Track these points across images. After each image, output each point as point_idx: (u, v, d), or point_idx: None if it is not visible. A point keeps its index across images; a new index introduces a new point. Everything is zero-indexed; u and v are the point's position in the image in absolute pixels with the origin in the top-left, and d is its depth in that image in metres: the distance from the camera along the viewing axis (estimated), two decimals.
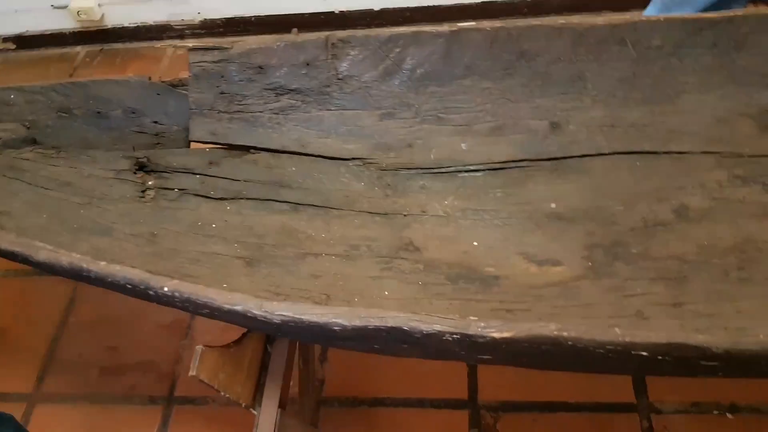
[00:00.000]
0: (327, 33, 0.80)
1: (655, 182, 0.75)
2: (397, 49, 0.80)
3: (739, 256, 0.68)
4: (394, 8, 1.40)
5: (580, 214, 0.75)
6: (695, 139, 0.76)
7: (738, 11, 0.72)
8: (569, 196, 0.76)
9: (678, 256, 0.69)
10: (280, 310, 0.50)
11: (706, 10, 0.92)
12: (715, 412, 0.85)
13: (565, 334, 0.46)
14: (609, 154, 0.77)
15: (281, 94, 0.82)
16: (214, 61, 0.82)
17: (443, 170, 0.81)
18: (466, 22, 1.33)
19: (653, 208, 0.73)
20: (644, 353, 0.47)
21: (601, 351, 0.47)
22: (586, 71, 0.77)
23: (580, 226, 0.74)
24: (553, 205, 0.76)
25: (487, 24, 0.77)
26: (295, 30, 0.83)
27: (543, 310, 0.66)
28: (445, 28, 0.77)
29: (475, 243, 0.75)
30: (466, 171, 0.81)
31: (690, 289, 0.66)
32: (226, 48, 0.81)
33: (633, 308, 0.65)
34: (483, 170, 0.80)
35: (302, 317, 0.50)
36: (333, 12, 1.45)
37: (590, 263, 0.71)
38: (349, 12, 1.44)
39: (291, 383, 0.78)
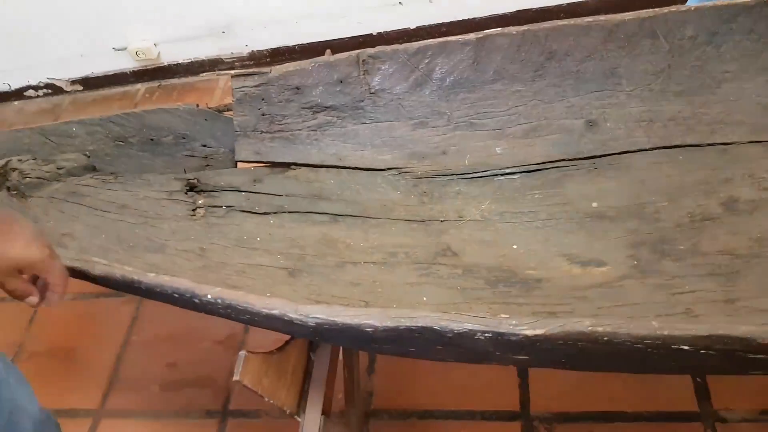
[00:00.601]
0: (358, 51, 0.83)
1: (700, 176, 0.72)
2: (426, 60, 0.81)
3: None
4: (430, 25, 1.43)
5: (623, 212, 0.73)
6: (741, 129, 0.73)
7: None
8: (610, 195, 0.74)
9: (729, 250, 0.66)
10: (314, 312, 0.52)
11: None
12: None
13: (600, 329, 0.45)
14: (649, 149, 0.75)
15: (318, 112, 0.86)
16: (255, 86, 0.86)
17: (479, 175, 0.82)
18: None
19: (700, 202, 0.71)
20: (686, 347, 0.45)
21: (640, 346, 0.45)
22: (619, 67, 0.76)
23: (624, 225, 0.72)
24: (594, 204, 0.75)
25: (513, 28, 0.77)
26: (328, 51, 0.87)
27: (587, 311, 0.64)
28: (471, 36, 0.78)
29: (515, 246, 0.74)
30: (502, 174, 0.80)
31: (743, 284, 0.63)
32: (266, 72, 0.86)
33: (682, 306, 0.62)
34: (519, 173, 0.80)
35: (335, 319, 0.51)
36: (371, 34, 1.49)
37: (636, 262, 0.68)
38: (387, 33, 1.48)
39: (338, 395, 0.80)
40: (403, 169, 0.85)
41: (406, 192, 0.83)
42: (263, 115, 0.87)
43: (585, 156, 0.77)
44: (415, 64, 0.82)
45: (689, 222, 0.69)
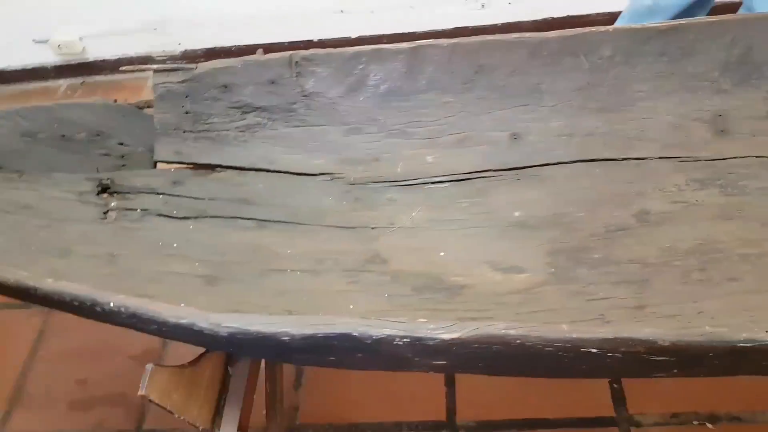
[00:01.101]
0: (291, 52, 0.82)
1: (615, 188, 0.76)
2: (361, 66, 0.82)
3: (699, 258, 0.69)
4: (371, 36, 1.44)
5: (543, 222, 0.75)
6: (653, 145, 0.78)
7: (682, 20, 0.75)
8: (532, 205, 0.77)
9: (640, 259, 0.70)
10: (226, 321, 0.50)
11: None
12: (695, 422, 0.84)
13: (512, 332, 0.46)
14: (569, 162, 0.79)
15: (247, 112, 0.84)
16: (179, 82, 0.83)
17: (410, 183, 0.82)
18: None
19: (614, 213, 0.74)
20: (593, 350, 0.47)
21: (551, 349, 0.47)
22: (543, 83, 0.79)
23: (543, 233, 0.74)
24: (516, 214, 0.77)
25: (444, 41, 0.79)
26: (260, 50, 0.85)
27: (506, 316, 0.66)
28: (405, 45, 0.80)
29: (442, 253, 0.76)
30: (433, 183, 0.82)
31: (652, 291, 0.66)
32: (191, 68, 0.83)
33: (595, 312, 0.65)
34: (448, 181, 0.81)
35: (250, 328, 0.50)
36: (311, 41, 1.49)
37: (553, 269, 0.71)
38: (327, 40, 1.47)
39: (259, 409, 0.77)
40: (336, 175, 0.84)
41: (339, 198, 0.83)
42: (187, 113, 0.84)
43: (510, 167, 0.80)
44: (350, 69, 0.82)
45: (604, 232, 0.73)
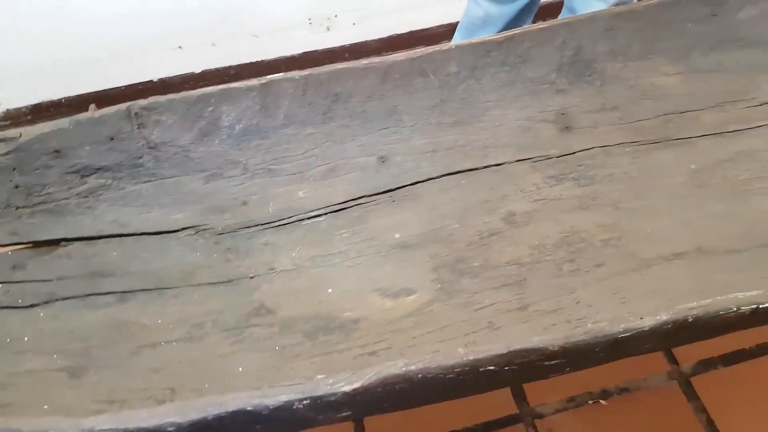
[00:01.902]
0: (128, 103, 0.75)
1: (481, 196, 0.80)
2: (210, 108, 0.77)
3: (567, 249, 0.74)
4: (216, 68, 1.38)
5: (422, 239, 0.76)
6: (508, 150, 0.82)
7: (516, 30, 0.80)
8: (410, 224, 0.78)
9: (515, 260, 0.73)
10: (99, 425, 0.43)
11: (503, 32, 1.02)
12: (590, 402, 0.89)
13: (413, 367, 0.46)
14: (437, 177, 0.81)
15: (87, 176, 0.75)
16: (2, 154, 0.72)
17: (285, 222, 0.79)
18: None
19: (485, 220, 0.77)
20: (492, 367, 0.47)
21: (452, 376, 0.47)
22: (399, 104, 0.80)
23: (425, 250, 0.75)
24: (397, 236, 0.77)
25: (296, 73, 0.77)
26: (92, 106, 0.77)
27: (403, 343, 0.65)
28: (254, 81, 0.76)
29: (330, 290, 0.73)
30: (309, 218, 0.79)
31: (531, 289, 0.70)
32: (14, 137, 0.72)
33: (485, 320, 0.67)
34: (325, 214, 0.79)
35: (127, 427, 0.44)
36: (151, 81, 1.39)
37: (440, 285, 0.72)
38: (170, 78, 1.39)
39: None
40: (201, 227, 0.78)
41: (207, 252, 0.77)
42: (17, 187, 0.73)
43: (383, 190, 0.80)
44: (199, 113, 0.77)
45: (479, 239, 0.76)
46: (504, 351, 0.47)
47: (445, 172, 0.81)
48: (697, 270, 0.69)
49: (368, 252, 0.76)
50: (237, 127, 0.78)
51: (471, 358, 0.47)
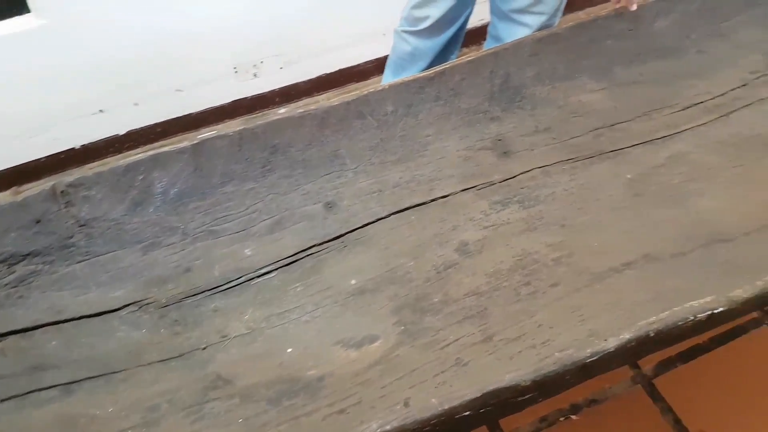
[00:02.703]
0: (53, 182, 0.71)
1: (433, 230, 0.80)
2: (141, 176, 0.74)
3: (522, 273, 0.75)
4: (142, 128, 1.34)
5: (379, 282, 0.76)
6: (452, 181, 0.84)
7: (446, 65, 0.83)
8: (365, 268, 0.77)
9: (473, 291, 0.74)
10: None
11: (429, 68, 1.05)
12: (562, 418, 0.90)
13: (387, 428, 0.45)
14: (386, 216, 0.81)
15: (15, 264, 0.70)
16: None
17: (233, 284, 0.76)
18: (224, 122, 1.33)
19: (439, 253, 0.78)
20: (467, 413, 0.47)
21: (428, 428, 0.46)
22: (340, 148, 0.81)
23: (383, 293, 0.75)
24: (353, 282, 0.76)
25: (229, 129, 0.76)
26: (14, 188, 0.73)
27: (373, 395, 0.64)
28: (185, 143, 0.75)
29: (290, 349, 0.71)
30: (258, 276, 0.77)
31: (493, 319, 0.70)
32: None
33: (452, 357, 0.66)
34: (275, 269, 0.77)
35: None
36: (74, 148, 1.33)
37: (403, 327, 0.71)
38: (93, 143, 1.33)
39: None
40: (143, 302, 0.74)
41: (153, 327, 0.73)
42: None
43: (333, 237, 0.79)
44: (129, 183, 0.74)
45: (436, 274, 0.76)
46: (478, 394, 0.47)
47: (394, 211, 0.81)
48: (647, 278, 0.72)
49: (325, 303, 0.74)
50: (171, 192, 0.76)
51: (446, 407, 0.46)
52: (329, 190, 0.80)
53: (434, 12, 1.06)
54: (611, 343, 0.53)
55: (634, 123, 0.88)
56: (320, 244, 0.79)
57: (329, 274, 0.77)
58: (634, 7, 0.86)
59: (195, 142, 0.75)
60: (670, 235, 0.77)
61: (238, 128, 0.76)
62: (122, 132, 1.33)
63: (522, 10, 1.04)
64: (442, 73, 0.82)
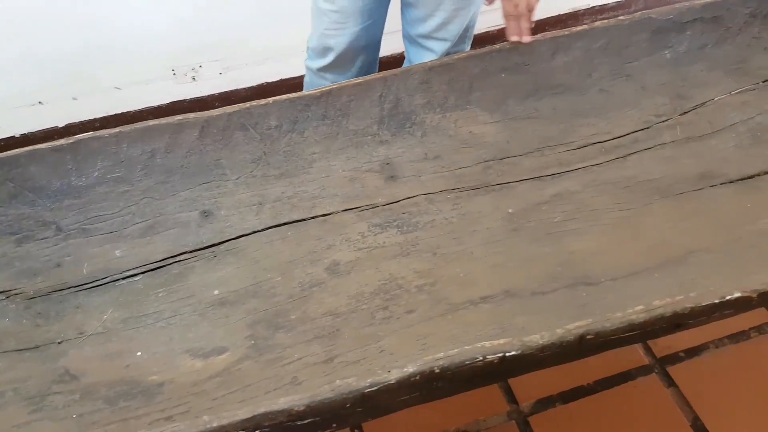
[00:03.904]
0: None
1: (307, 247, 0.82)
2: (18, 170, 0.78)
3: (383, 297, 0.77)
4: (81, 121, 1.38)
5: (242, 295, 0.78)
6: (335, 200, 0.86)
7: (333, 85, 0.86)
8: (231, 280, 0.79)
9: (332, 311, 0.76)
10: None
11: None
12: None
13: None
14: (262, 230, 0.83)
15: None
16: None
17: (99, 283, 0.79)
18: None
19: (308, 271, 0.80)
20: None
21: None
22: (221, 158, 0.83)
23: (243, 306, 0.77)
24: (216, 292, 0.78)
25: (106, 131, 0.79)
26: None
27: (203, 405, 0.66)
28: (62, 141, 0.78)
29: (139, 353, 0.73)
30: (124, 278, 0.79)
31: (342, 341, 0.72)
32: None
33: (289, 376, 0.68)
34: (141, 273, 0.80)
35: None
36: (13, 137, 1.37)
37: (253, 342, 0.73)
38: (32, 134, 1.38)
39: None
40: (12, 292, 0.77)
41: (17, 317, 0.76)
42: None
43: (205, 245, 0.82)
44: (6, 175, 0.78)
45: (300, 291, 0.78)
46: (249, 415, 0.49)
47: (272, 225, 0.84)
48: (501, 313, 0.74)
49: (184, 311, 0.77)
50: (48, 188, 0.79)
51: (215, 425, 0.48)
52: (207, 199, 0.83)
53: (338, 43, 1.08)
54: (393, 375, 0.54)
55: (525, 158, 0.90)
56: (191, 252, 0.81)
57: (194, 283, 0.79)
58: (527, 40, 0.88)
59: (72, 141, 0.78)
60: (536, 273, 0.78)
61: (115, 131, 0.79)
62: (61, 125, 1.37)
63: (427, 36, 1.06)
64: (329, 93, 0.84)
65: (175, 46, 1.30)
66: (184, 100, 1.40)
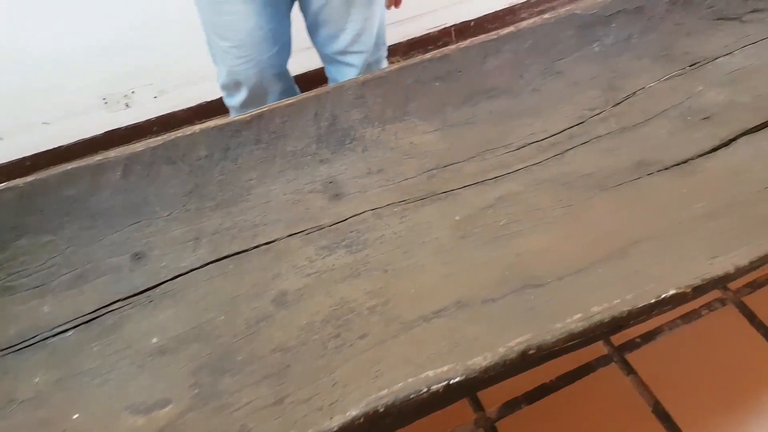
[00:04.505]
0: None
1: (251, 279, 0.75)
2: None
3: (335, 324, 0.71)
4: (9, 162, 1.26)
5: (183, 340, 0.70)
6: (278, 226, 0.79)
7: (263, 108, 0.79)
8: (170, 325, 0.72)
9: (281, 346, 0.69)
10: None
11: None
12: None
13: None
14: (201, 267, 0.76)
15: None
16: None
17: (28, 343, 0.70)
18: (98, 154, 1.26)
19: (254, 305, 0.73)
20: None
21: None
22: (149, 195, 0.76)
23: (185, 352, 0.69)
24: (155, 340, 0.71)
25: (20, 181, 0.70)
26: None
27: None
28: None
29: (76, 416, 0.65)
30: (54, 335, 0.71)
31: (292, 377, 0.66)
32: None
33: (238, 424, 0.61)
34: (73, 327, 0.71)
35: None
36: None
37: (198, 390, 0.66)
38: None
39: None
40: None
41: None
42: None
43: (139, 291, 0.74)
44: None
45: (246, 329, 0.71)
46: None
47: (211, 260, 0.76)
48: (453, 327, 0.69)
49: (121, 364, 0.69)
50: None
51: None
52: (137, 240, 0.75)
53: (248, 77, 1.01)
54: (335, 422, 0.48)
55: (466, 164, 0.85)
56: (124, 299, 0.73)
57: (130, 332, 0.71)
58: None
59: None
60: (485, 280, 0.74)
61: (29, 179, 0.70)
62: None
63: (343, 52, 1.02)
64: (260, 116, 0.77)
65: (104, 74, 1.20)
66: (120, 128, 1.30)
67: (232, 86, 1.00)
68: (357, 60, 0.99)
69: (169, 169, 0.75)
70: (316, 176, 0.83)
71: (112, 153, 0.72)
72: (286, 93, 1.12)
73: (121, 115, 1.25)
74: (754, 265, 0.62)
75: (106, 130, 1.28)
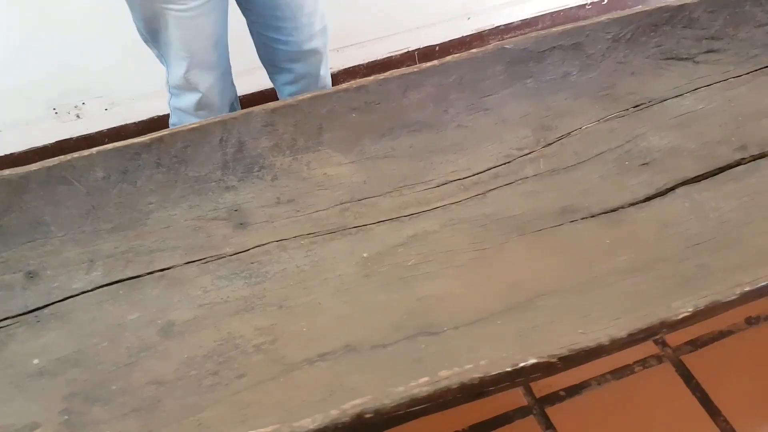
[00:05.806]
0: None
1: (141, 307, 0.78)
2: None
3: (216, 360, 0.73)
4: None
5: (63, 364, 0.73)
6: (176, 253, 0.82)
7: (165, 130, 0.80)
8: (53, 347, 0.75)
9: (157, 379, 0.71)
10: None
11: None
12: None
13: None
14: (92, 290, 0.78)
15: None
16: None
17: None
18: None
19: (139, 334, 0.75)
20: None
21: None
22: (44, 215, 0.79)
23: (63, 376, 0.72)
24: (35, 362, 0.74)
25: None
26: None
27: None
28: None
29: None
30: None
31: (161, 414, 0.68)
32: None
33: None
34: None
35: None
36: None
37: (67, 416, 0.68)
38: None
39: None
40: None
41: None
42: None
43: (28, 310, 0.76)
44: None
45: (127, 357, 0.73)
46: None
47: (103, 284, 0.80)
48: (336, 372, 0.70)
49: (1, 384, 0.71)
50: None
51: None
52: (32, 259, 0.78)
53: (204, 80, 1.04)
54: None
55: (383, 198, 0.87)
56: (13, 317, 0.77)
57: (14, 352, 0.74)
58: None
59: None
60: (381, 324, 0.75)
61: None
62: None
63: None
64: (160, 139, 0.80)
65: (54, 86, 1.26)
66: (71, 139, 1.35)
67: (184, 87, 1.03)
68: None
69: (65, 190, 0.78)
70: (220, 203, 0.85)
71: (6, 171, 0.75)
72: (233, 106, 1.15)
73: (72, 126, 1.30)
74: (633, 338, 0.60)
75: (57, 140, 1.33)
